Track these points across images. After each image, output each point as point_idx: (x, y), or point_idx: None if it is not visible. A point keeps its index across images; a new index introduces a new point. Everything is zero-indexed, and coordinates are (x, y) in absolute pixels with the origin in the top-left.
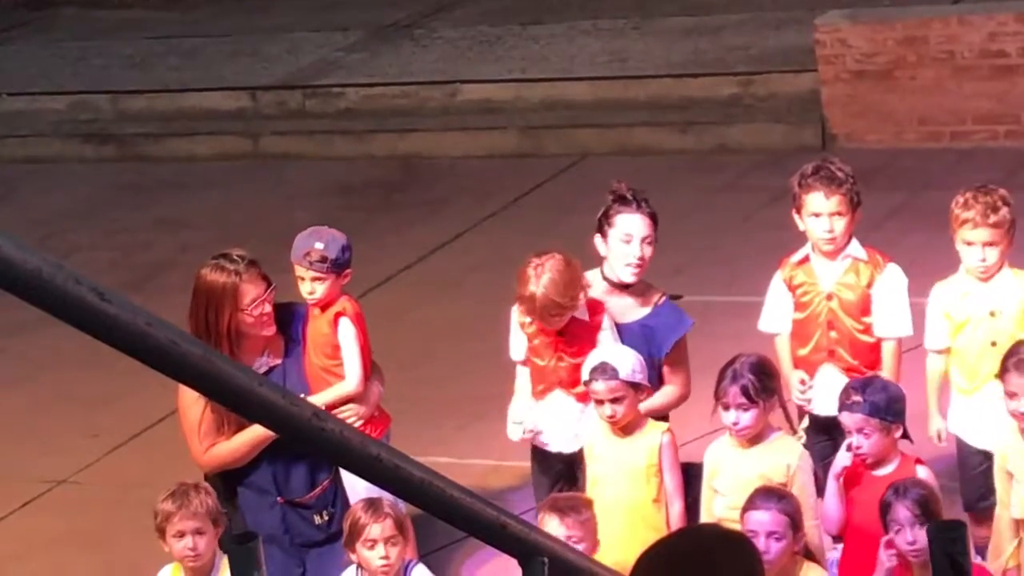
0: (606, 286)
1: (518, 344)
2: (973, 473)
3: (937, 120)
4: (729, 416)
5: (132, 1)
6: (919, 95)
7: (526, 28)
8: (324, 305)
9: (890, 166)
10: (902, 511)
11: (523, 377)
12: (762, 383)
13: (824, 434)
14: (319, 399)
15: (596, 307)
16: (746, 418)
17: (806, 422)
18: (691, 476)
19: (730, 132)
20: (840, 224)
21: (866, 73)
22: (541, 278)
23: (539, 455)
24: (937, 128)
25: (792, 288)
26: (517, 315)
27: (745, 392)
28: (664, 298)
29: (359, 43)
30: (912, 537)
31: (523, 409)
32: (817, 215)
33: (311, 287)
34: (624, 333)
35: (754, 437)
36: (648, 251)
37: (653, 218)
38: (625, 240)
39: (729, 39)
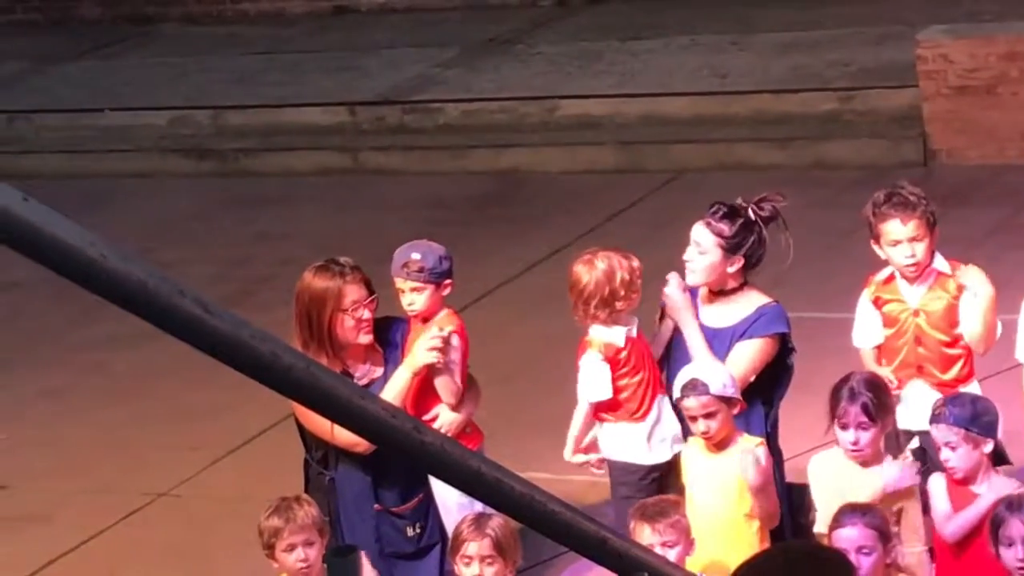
0: (705, 291)
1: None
2: None
3: None
4: (848, 436)
5: (232, 18)
6: (1021, 111)
7: (625, 43)
8: (426, 317)
9: (992, 182)
10: (1017, 526)
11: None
12: (880, 399)
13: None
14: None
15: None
16: (866, 437)
17: (915, 443)
18: (796, 494)
19: (829, 148)
20: (920, 248)
21: (968, 88)
22: (594, 268)
23: (619, 478)
24: None
25: (879, 306)
26: (595, 355)
27: (866, 410)
28: (772, 304)
29: (458, 58)
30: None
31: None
32: (897, 242)
33: (411, 298)
34: (717, 337)
35: (868, 459)
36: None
37: (711, 227)
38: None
39: (828, 54)
